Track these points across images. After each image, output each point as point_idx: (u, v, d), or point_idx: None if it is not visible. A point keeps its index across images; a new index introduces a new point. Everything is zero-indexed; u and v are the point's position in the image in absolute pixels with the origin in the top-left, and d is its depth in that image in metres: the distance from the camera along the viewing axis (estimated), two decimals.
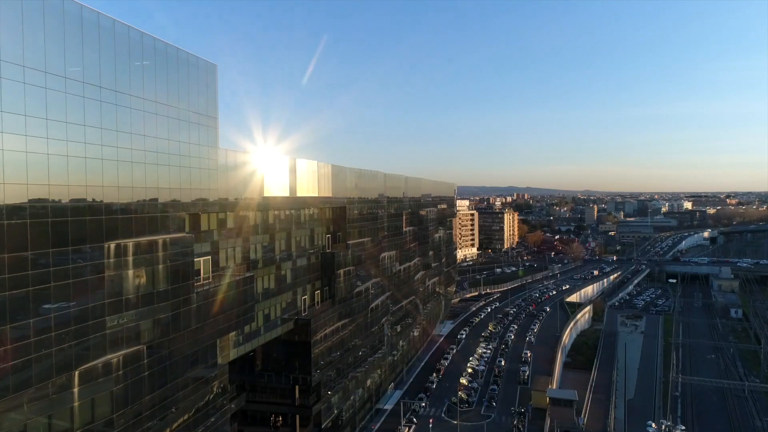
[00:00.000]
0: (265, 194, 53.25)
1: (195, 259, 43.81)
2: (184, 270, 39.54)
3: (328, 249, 70.81)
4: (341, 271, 71.06)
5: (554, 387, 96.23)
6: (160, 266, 36.98)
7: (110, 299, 32.93)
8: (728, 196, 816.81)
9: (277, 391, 65.18)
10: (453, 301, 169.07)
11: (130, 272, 34.31)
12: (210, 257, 46.13)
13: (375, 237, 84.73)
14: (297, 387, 64.12)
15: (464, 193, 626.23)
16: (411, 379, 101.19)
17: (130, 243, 34.28)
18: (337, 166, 70.84)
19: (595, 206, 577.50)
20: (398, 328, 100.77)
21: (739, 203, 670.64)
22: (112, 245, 33.01)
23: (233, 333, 48.96)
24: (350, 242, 74.19)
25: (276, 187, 55.61)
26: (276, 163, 55.22)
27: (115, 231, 33.35)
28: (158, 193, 37.51)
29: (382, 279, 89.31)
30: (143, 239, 35.52)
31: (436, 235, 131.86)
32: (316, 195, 64.05)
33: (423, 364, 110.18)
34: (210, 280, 45.35)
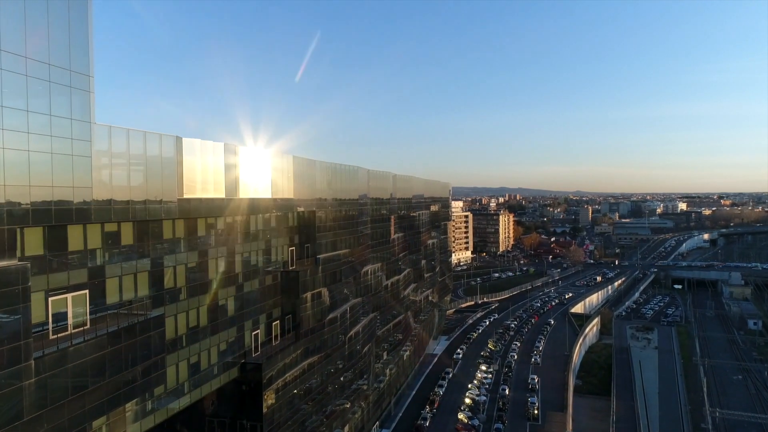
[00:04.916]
0: (187, 195, 37.08)
1: (52, 298, 27.81)
2: (8, 325, 23.38)
3: (292, 266, 54.83)
4: (308, 294, 55.10)
5: (570, 425, 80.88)
6: None
7: None
8: (721, 196, 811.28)
9: None
10: (448, 312, 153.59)
11: None
12: (86, 292, 30.03)
13: (355, 248, 68.87)
14: None
15: (456, 193, 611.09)
16: (400, 414, 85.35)
17: None
18: (303, 159, 54.81)
19: (589, 207, 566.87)
20: (384, 355, 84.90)
21: (734, 204, 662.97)
22: None
23: (133, 401, 32.93)
24: (321, 256, 58.24)
25: (208, 185, 39.50)
26: (206, 152, 39.08)
27: None
28: None
29: (364, 298, 73.48)
30: None
31: (430, 242, 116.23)
32: (269, 196, 47.91)
33: (414, 393, 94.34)
34: (85, 327, 29.26)
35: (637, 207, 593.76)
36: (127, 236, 33.30)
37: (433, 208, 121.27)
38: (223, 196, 40.60)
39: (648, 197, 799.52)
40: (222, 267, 43.23)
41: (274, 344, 51.18)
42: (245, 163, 43.53)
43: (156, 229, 35.75)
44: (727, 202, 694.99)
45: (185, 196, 36.46)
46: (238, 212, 43.60)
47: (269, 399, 48.00)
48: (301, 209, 55.48)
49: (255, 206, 45.89)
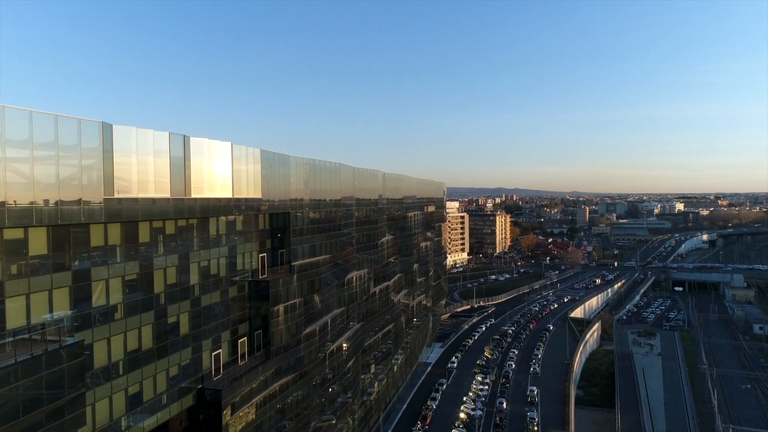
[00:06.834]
0: (120, 194, 30.75)
1: None
2: None
3: (263, 275, 48.59)
4: (281, 307, 48.85)
5: None
6: None
7: None
8: (717, 197, 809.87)
9: None
10: (443, 317, 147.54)
11: None
12: None
13: (337, 253, 62.64)
14: None
15: (453, 194, 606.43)
16: (389, 431, 79.16)
17: None
18: (273, 153, 48.52)
19: (586, 208, 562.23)
20: (373, 367, 78.74)
21: (731, 204, 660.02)
22: None
23: None
24: (296, 263, 52.01)
25: (148, 183, 33.15)
26: (146, 143, 32.71)
27: None
28: None
29: (349, 307, 67.29)
30: None
31: (423, 244, 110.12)
32: (230, 195, 41.58)
33: (405, 407, 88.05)
34: None
35: (634, 207, 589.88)
36: (39, 245, 27.02)
37: (427, 209, 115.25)
38: (168, 195, 34.25)
39: (645, 198, 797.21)
40: (172, 278, 36.95)
41: (240, 364, 44.95)
42: (198, 157, 37.22)
43: (81, 235, 29.48)
44: (724, 203, 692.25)
45: (116, 196, 30.12)
46: (189, 214, 37.26)
47: (233, 428, 41.77)
48: (274, 211, 49.22)
49: (210, 207, 39.55)
